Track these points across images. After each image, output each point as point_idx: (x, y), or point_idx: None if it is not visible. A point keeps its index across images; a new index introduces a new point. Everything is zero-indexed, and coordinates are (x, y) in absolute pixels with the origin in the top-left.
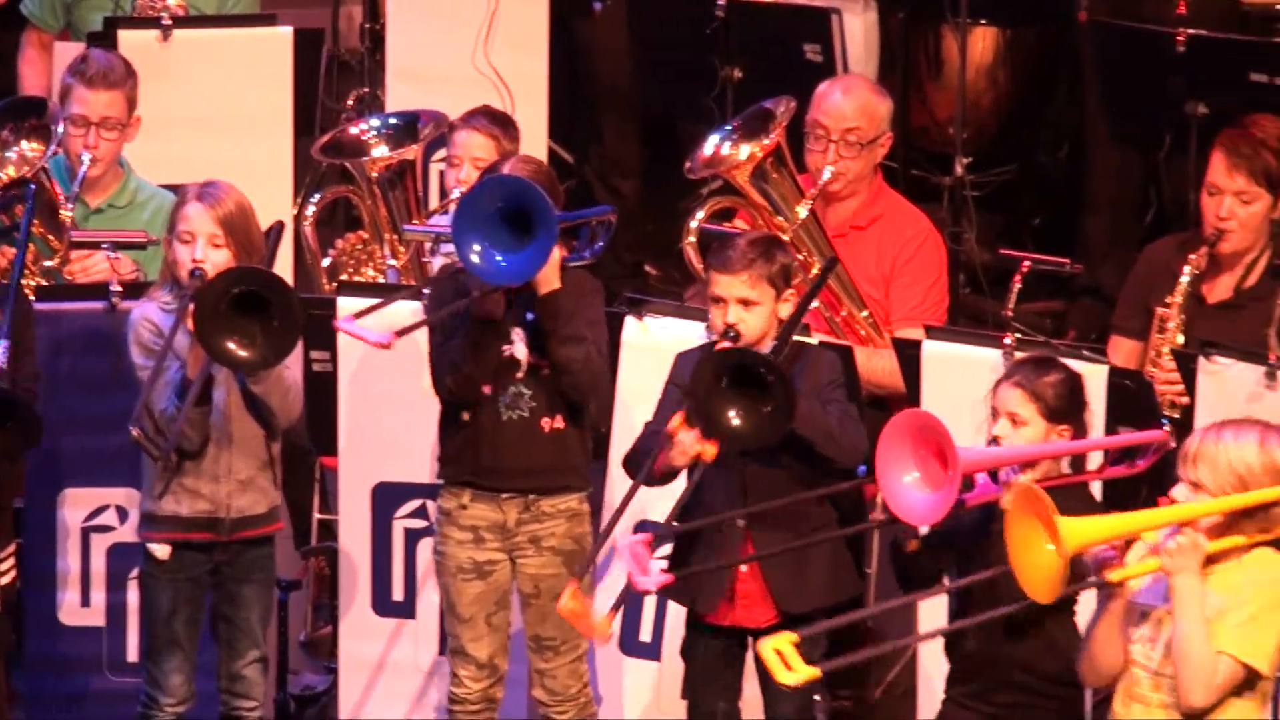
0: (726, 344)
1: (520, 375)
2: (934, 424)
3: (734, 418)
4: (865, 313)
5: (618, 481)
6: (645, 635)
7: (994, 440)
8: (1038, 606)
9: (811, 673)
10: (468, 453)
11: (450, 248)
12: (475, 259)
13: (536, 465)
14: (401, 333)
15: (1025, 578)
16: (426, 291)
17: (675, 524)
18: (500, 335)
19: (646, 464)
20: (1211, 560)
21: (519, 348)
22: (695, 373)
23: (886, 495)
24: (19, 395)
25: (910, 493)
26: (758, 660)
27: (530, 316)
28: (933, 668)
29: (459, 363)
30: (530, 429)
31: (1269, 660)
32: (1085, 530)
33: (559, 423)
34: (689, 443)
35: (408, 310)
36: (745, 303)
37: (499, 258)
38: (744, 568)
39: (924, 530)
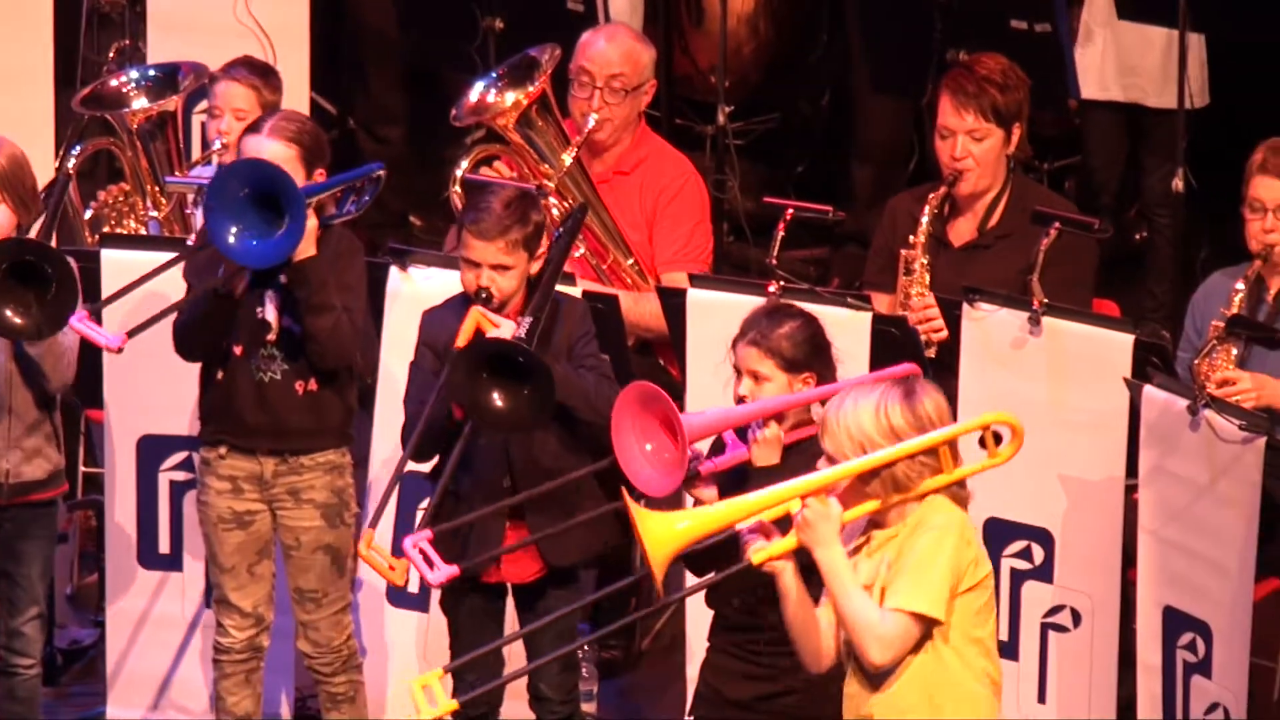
0: (476, 307)
1: (272, 338)
2: (657, 394)
3: (497, 400)
4: (631, 260)
5: (383, 434)
6: (412, 586)
7: (740, 399)
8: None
9: (450, 706)
10: (223, 411)
11: None
12: (231, 242)
13: (291, 427)
14: (133, 333)
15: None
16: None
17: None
18: (253, 297)
19: (412, 441)
20: (875, 525)
21: (269, 311)
22: (453, 366)
23: (625, 469)
24: None
25: (646, 465)
26: (519, 608)
27: (283, 280)
28: (702, 619)
29: (184, 324)
30: (284, 391)
31: (939, 603)
32: (675, 536)
33: (313, 385)
34: None
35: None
36: (499, 267)
37: (254, 241)
38: (508, 524)
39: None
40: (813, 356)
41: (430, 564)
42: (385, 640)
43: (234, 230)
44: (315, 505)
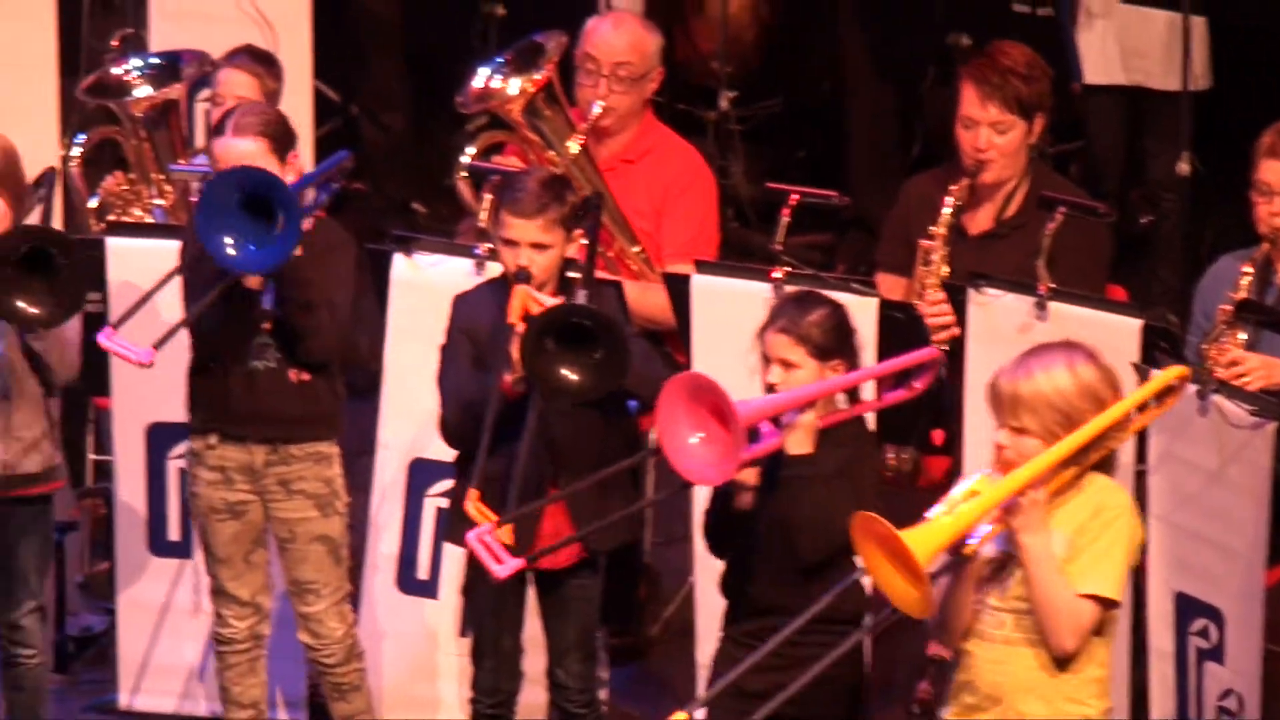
0: (521, 285)
1: (268, 326)
2: (708, 384)
3: (569, 374)
4: (637, 248)
5: (390, 420)
6: (423, 574)
7: (770, 387)
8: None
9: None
10: (215, 400)
11: None
12: (232, 253)
13: (284, 416)
14: (159, 344)
15: (897, 600)
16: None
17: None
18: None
19: (486, 422)
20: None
21: (267, 300)
22: (523, 345)
23: (673, 460)
24: None
25: (696, 454)
26: (541, 595)
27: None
28: (712, 605)
29: (212, 331)
30: (278, 380)
31: (1119, 589)
32: (935, 540)
33: (305, 375)
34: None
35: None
36: (538, 245)
37: (253, 247)
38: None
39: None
40: (842, 343)
41: (496, 558)
42: (395, 627)
43: (229, 241)
44: (306, 495)
